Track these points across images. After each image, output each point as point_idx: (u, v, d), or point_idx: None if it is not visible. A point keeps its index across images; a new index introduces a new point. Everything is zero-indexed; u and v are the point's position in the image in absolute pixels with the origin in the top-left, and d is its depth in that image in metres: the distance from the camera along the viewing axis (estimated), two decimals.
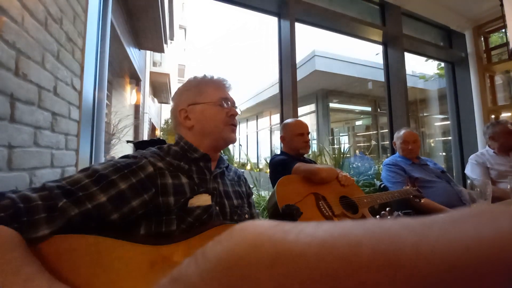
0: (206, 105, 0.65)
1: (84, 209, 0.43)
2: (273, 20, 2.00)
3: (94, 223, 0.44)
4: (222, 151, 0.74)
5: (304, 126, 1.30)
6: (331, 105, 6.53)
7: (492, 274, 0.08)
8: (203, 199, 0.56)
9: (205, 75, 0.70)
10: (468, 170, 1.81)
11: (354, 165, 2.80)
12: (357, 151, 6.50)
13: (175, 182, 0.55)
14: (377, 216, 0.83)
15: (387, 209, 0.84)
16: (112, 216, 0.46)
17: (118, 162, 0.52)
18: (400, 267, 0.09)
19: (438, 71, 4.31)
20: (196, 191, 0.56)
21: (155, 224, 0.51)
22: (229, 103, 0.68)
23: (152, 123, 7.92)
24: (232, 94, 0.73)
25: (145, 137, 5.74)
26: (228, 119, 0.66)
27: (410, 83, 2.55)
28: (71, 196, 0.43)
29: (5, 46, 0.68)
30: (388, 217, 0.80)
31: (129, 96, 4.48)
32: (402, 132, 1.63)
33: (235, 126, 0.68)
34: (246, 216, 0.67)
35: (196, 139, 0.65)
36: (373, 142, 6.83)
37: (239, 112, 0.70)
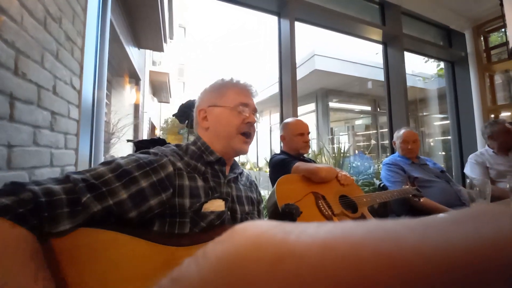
0: (224, 108, 0.64)
1: (107, 205, 0.43)
2: (273, 19, 2.00)
3: (114, 219, 0.44)
4: None
5: (304, 126, 1.30)
6: (331, 104, 6.53)
7: (492, 274, 0.08)
8: (217, 205, 0.56)
9: (231, 78, 0.69)
10: (467, 170, 1.81)
11: (353, 165, 2.81)
12: (356, 151, 6.50)
13: (192, 185, 0.55)
14: None
15: None
16: (130, 213, 0.45)
17: (140, 158, 0.51)
18: (402, 267, 0.09)
19: (437, 71, 4.31)
20: (210, 196, 0.56)
21: (169, 225, 0.51)
22: (249, 110, 0.66)
23: (151, 123, 7.91)
24: (255, 100, 0.70)
25: (145, 136, 5.74)
26: (243, 126, 0.64)
27: (409, 82, 2.55)
28: (95, 191, 0.42)
29: (4, 46, 0.68)
30: None
31: (129, 95, 4.47)
32: (402, 131, 1.63)
33: (250, 135, 0.66)
34: None
35: (210, 141, 0.65)
36: (373, 142, 6.83)
37: (258, 121, 0.68)
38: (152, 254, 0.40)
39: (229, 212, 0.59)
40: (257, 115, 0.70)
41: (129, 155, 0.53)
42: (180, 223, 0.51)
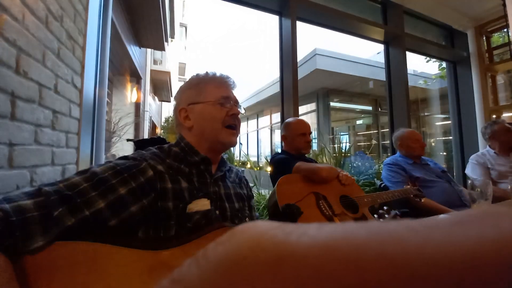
0: (206, 104, 0.62)
1: (82, 217, 0.41)
2: (274, 19, 2.00)
3: (92, 229, 0.43)
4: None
5: (306, 126, 1.30)
6: (332, 104, 6.52)
7: (494, 275, 0.08)
8: (202, 204, 0.55)
9: (207, 73, 0.68)
10: (468, 170, 1.81)
11: (354, 165, 2.80)
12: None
13: (175, 187, 0.54)
14: (375, 215, 0.83)
15: (385, 208, 0.84)
16: (110, 222, 0.44)
17: (117, 164, 0.50)
18: (404, 269, 0.09)
19: (439, 71, 4.30)
20: (195, 196, 0.55)
21: (154, 229, 0.50)
22: (231, 102, 0.64)
23: (152, 121, 7.92)
24: (235, 92, 0.69)
25: (146, 135, 5.75)
26: (228, 119, 0.63)
27: (411, 82, 2.54)
28: (68, 203, 0.41)
29: (6, 44, 0.68)
30: (386, 215, 0.81)
31: (130, 94, 4.48)
32: (405, 131, 1.62)
33: (236, 127, 0.65)
34: (247, 219, 0.66)
35: (196, 140, 0.63)
36: (374, 142, 6.82)
37: (242, 111, 0.67)
38: (136, 261, 0.39)
39: (217, 211, 0.58)
40: (241, 106, 0.68)
41: (106, 162, 0.52)
42: (165, 226, 0.50)
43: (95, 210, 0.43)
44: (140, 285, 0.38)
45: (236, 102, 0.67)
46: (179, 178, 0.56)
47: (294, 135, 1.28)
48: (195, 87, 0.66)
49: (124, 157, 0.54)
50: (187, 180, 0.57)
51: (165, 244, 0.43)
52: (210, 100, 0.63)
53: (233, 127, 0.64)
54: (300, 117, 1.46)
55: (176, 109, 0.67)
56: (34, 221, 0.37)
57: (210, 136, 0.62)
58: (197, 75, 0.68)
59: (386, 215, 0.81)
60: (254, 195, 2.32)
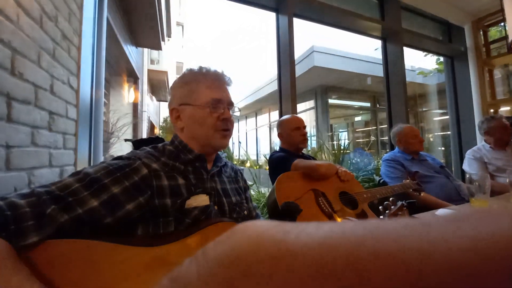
0: (196, 108, 0.61)
1: (75, 215, 0.42)
2: (271, 16, 1.99)
3: (88, 228, 0.44)
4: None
5: (299, 120, 1.30)
6: (330, 101, 6.53)
7: (492, 273, 0.08)
8: (201, 200, 0.55)
9: (200, 68, 0.65)
10: (465, 165, 1.81)
11: (353, 161, 2.81)
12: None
13: (171, 184, 0.54)
14: (380, 207, 0.82)
15: (391, 199, 0.83)
16: (105, 220, 0.45)
17: (110, 164, 0.50)
18: (402, 267, 0.09)
19: (437, 66, 4.31)
20: (193, 192, 0.56)
21: (153, 226, 0.51)
22: (223, 105, 0.62)
23: (151, 121, 7.90)
24: (231, 89, 0.66)
25: (144, 136, 5.74)
26: (219, 124, 0.61)
27: (409, 78, 2.55)
28: (61, 202, 0.42)
29: (1, 45, 0.68)
30: (392, 207, 0.80)
31: (127, 94, 4.46)
32: (403, 127, 1.62)
33: (228, 130, 0.63)
34: (245, 212, 0.66)
35: (188, 141, 0.63)
36: (372, 138, 6.84)
37: (236, 113, 0.66)
38: (131, 257, 0.40)
39: (216, 207, 0.59)
40: (234, 108, 0.66)
41: (100, 162, 0.52)
42: (164, 223, 0.51)
43: (88, 209, 0.44)
44: (137, 280, 0.38)
45: (229, 104, 0.64)
46: (175, 175, 0.56)
47: (289, 131, 1.28)
48: (186, 86, 0.63)
49: (119, 157, 0.55)
50: (183, 177, 0.57)
51: (163, 240, 0.44)
52: (200, 103, 0.61)
53: (225, 130, 0.63)
54: (299, 115, 1.46)
55: (169, 107, 0.66)
56: (27, 218, 0.38)
57: (201, 139, 0.62)
58: (190, 70, 0.65)
59: (392, 206, 0.80)
60: (254, 193, 2.32)
